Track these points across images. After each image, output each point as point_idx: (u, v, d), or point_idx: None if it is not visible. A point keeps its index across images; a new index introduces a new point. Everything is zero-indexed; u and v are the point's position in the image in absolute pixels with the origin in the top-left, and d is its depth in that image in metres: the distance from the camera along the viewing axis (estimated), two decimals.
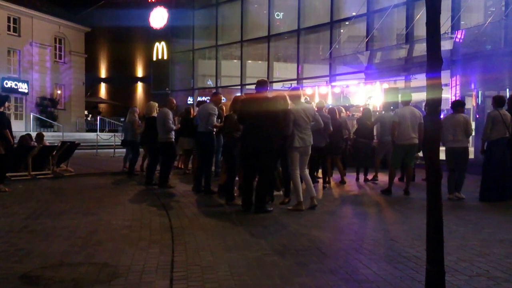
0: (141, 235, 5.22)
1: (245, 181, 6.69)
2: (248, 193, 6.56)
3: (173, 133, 9.10)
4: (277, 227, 5.56)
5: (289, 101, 6.71)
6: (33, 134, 12.33)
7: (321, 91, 16.67)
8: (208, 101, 9.65)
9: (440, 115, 3.26)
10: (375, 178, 10.14)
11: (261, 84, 6.79)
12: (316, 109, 8.87)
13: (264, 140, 6.42)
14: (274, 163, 6.79)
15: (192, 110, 11.16)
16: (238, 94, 21.27)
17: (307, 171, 6.96)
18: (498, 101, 7.75)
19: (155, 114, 9.54)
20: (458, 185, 7.78)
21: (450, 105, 8.42)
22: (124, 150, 12.41)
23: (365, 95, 15.52)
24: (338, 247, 4.71)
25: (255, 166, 6.63)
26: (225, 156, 7.59)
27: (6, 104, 8.60)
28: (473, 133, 7.93)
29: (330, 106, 10.94)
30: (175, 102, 9.64)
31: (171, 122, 8.93)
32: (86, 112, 33.90)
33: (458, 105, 8.02)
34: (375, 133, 11.03)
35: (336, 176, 10.13)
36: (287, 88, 13.26)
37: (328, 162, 9.44)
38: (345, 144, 10.35)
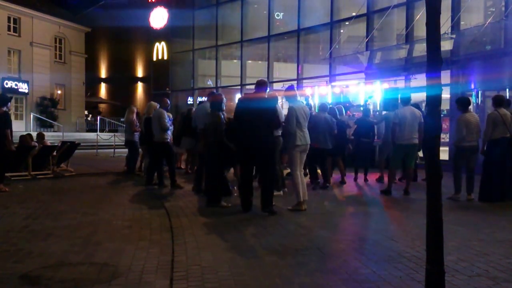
0: (141, 235, 5.22)
1: (242, 181, 6.65)
2: (247, 193, 6.53)
3: (169, 132, 9.12)
4: (277, 227, 5.56)
5: (279, 101, 6.71)
6: (34, 134, 12.32)
7: (321, 91, 16.66)
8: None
9: (440, 115, 3.25)
10: (381, 179, 10.13)
11: (261, 85, 6.77)
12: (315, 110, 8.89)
13: (259, 138, 6.37)
14: (273, 159, 6.68)
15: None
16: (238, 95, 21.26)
17: (302, 172, 6.93)
18: (498, 101, 7.74)
19: None
20: (469, 187, 7.76)
21: (460, 104, 8.06)
22: (127, 150, 12.38)
23: (365, 95, 15.50)
24: (338, 247, 4.71)
25: (252, 165, 6.60)
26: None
27: (9, 104, 8.63)
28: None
29: (330, 106, 10.90)
30: (168, 102, 9.68)
31: (166, 121, 8.97)
32: (86, 112, 33.88)
33: (469, 103, 7.98)
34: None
35: (336, 176, 10.13)
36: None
37: (329, 163, 9.43)
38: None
